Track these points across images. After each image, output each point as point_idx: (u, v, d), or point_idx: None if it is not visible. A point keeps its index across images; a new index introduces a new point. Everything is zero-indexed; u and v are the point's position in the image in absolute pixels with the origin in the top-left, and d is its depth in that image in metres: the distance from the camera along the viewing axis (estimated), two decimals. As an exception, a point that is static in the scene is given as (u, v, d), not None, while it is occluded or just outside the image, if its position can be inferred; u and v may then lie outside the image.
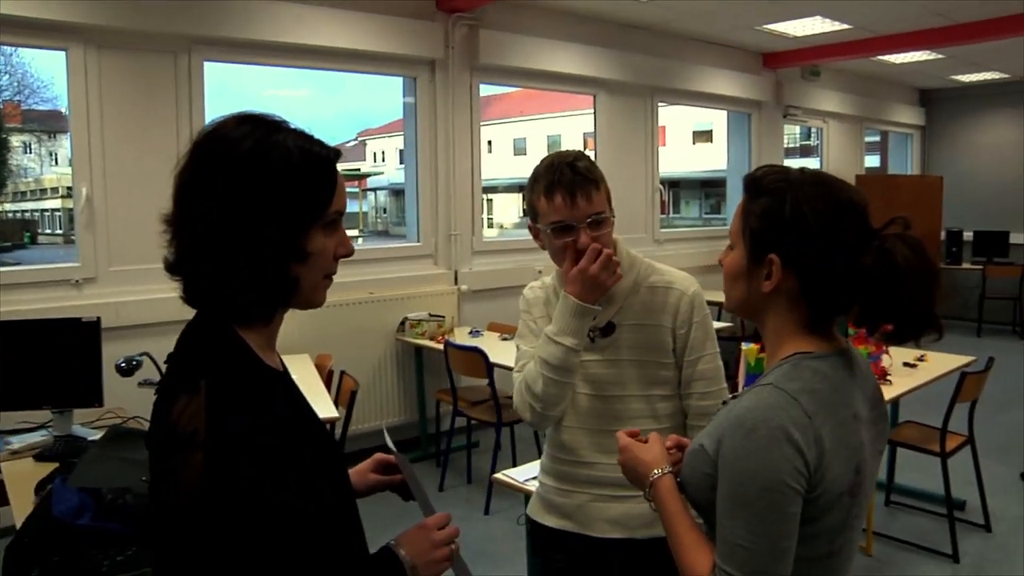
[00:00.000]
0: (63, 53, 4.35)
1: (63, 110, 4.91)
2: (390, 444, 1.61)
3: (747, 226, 1.34)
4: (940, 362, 4.50)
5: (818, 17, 6.91)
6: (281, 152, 1.19)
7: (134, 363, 3.02)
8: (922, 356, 4.55)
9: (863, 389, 1.35)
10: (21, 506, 2.50)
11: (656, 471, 1.43)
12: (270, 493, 1.12)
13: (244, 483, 1.10)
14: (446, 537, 1.33)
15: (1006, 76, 9.94)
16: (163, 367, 1.28)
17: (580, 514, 2.01)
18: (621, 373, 1.97)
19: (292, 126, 1.24)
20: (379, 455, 1.58)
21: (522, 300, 2.16)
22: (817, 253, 1.27)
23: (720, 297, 1.52)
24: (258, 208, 1.16)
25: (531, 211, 1.98)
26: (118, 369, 3.01)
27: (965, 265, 10.31)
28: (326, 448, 1.28)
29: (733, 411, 1.28)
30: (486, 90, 6.36)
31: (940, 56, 8.58)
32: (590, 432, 1.99)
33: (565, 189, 1.88)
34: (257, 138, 1.18)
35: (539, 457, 2.29)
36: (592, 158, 1.98)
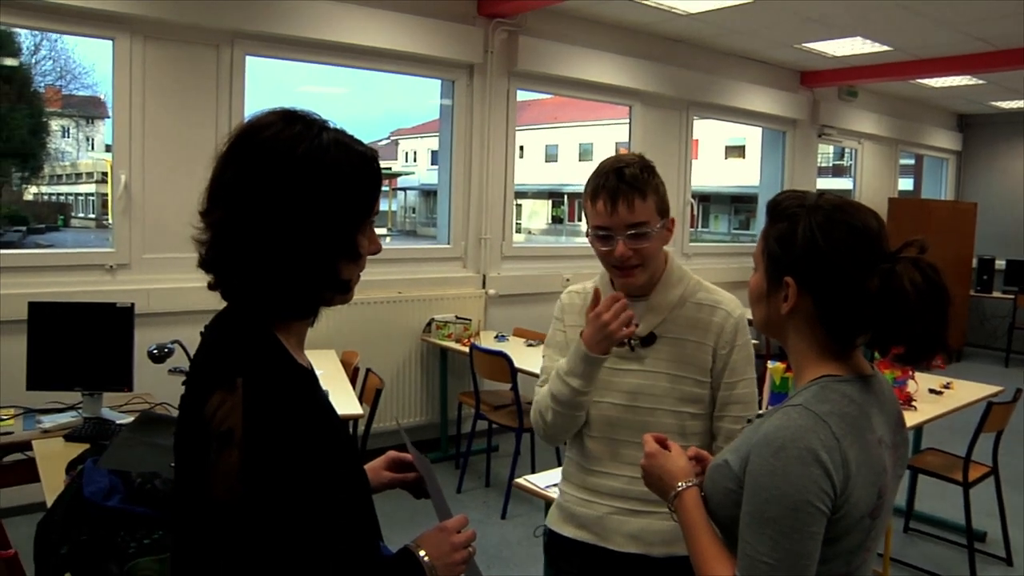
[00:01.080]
0: (110, 42, 4.42)
1: (102, 96, 5.00)
2: (409, 443, 1.61)
3: (766, 249, 1.38)
4: (966, 390, 4.45)
5: (859, 38, 6.88)
6: (336, 152, 1.20)
7: (166, 350, 3.06)
8: (948, 384, 4.51)
9: (888, 414, 1.37)
10: (51, 484, 2.56)
11: (682, 484, 1.44)
12: (302, 494, 1.14)
13: (278, 483, 1.11)
14: (465, 540, 1.35)
15: (1046, 104, 9.82)
16: (195, 342, 1.28)
17: (598, 526, 1.99)
18: (655, 385, 1.94)
19: (333, 125, 1.24)
20: (392, 452, 1.59)
21: (558, 305, 2.15)
22: (828, 277, 1.30)
23: (750, 314, 1.54)
24: (315, 208, 1.17)
25: (585, 213, 1.98)
26: (150, 355, 3.06)
27: (996, 294, 10.19)
28: (346, 446, 1.30)
29: (761, 429, 1.29)
30: (521, 96, 6.38)
31: (980, 81, 8.50)
32: (616, 443, 1.97)
33: (608, 195, 1.87)
34: (310, 138, 1.18)
35: (559, 464, 2.28)
36: (651, 165, 1.95)
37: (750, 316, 1.51)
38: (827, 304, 1.31)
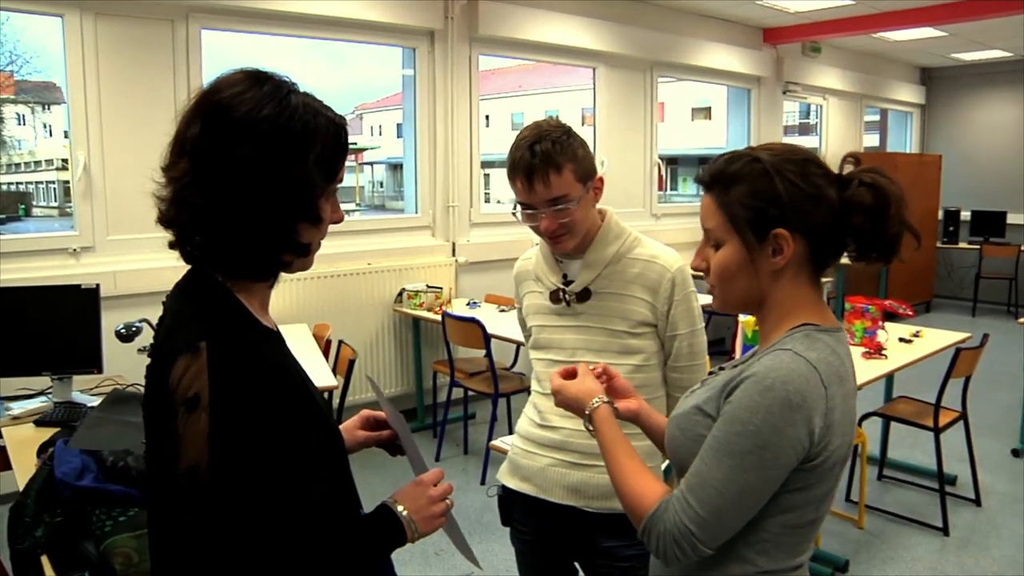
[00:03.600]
0: (59, 20, 4.31)
1: (57, 82, 4.88)
2: (381, 394, 1.59)
3: (736, 217, 1.33)
4: (935, 338, 4.53)
5: (820, -8, 6.88)
6: (303, 115, 1.19)
7: (133, 329, 3.03)
8: (917, 332, 4.58)
9: (851, 366, 1.38)
10: (24, 471, 2.51)
11: (594, 401, 1.50)
12: (273, 455, 1.13)
13: (248, 445, 1.11)
14: (442, 493, 1.36)
15: (1008, 55, 9.89)
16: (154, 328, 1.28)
17: (540, 477, 2.02)
18: (593, 340, 1.97)
19: (301, 89, 1.24)
20: (366, 411, 1.58)
21: (514, 277, 2.21)
22: (819, 211, 1.30)
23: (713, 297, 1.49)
24: (276, 169, 1.16)
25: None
26: (118, 335, 3.02)
27: (962, 244, 10.34)
28: (317, 406, 1.29)
29: (751, 369, 1.27)
30: (484, 64, 6.33)
31: (942, 33, 8.54)
32: None
33: (522, 173, 1.86)
34: (279, 99, 1.18)
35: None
36: (567, 130, 1.91)
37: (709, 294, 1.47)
38: (821, 239, 1.32)
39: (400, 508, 1.31)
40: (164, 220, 1.21)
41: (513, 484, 2.09)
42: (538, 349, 2.08)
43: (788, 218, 1.30)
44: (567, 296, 1.98)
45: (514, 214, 1.97)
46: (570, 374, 1.61)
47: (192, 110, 1.20)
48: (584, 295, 1.98)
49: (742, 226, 1.32)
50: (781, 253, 1.32)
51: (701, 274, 1.43)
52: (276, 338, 1.27)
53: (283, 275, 1.29)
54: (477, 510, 4.30)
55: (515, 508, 2.13)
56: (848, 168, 1.34)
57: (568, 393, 1.56)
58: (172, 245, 1.22)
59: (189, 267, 1.25)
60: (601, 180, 1.97)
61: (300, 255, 1.24)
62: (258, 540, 1.12)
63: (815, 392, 1.24)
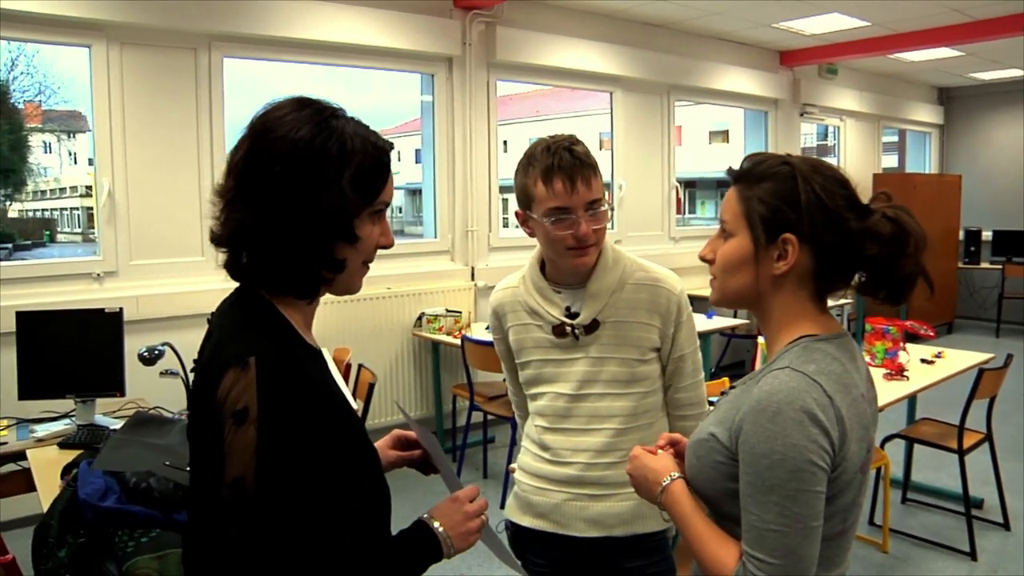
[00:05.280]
0: (86, 50, 4.40)
1: (82, 110, 4.96)
2: (409, 418, 1.62)
3: (752, 211, 1.34)
4: (958, 359, 4.48)
5: (836, 14, 6.89)
6: (340, 136, 1.22)
7: (156, 352, 3.05)
8: (939, 353, 4.54)
9: (860, 371, 1.37)
10: (48, 492, 2.54)
11: (667, 478, 1.43)
12: (318, 469, 1.15)
13: (294, 459, 1.12)
14: (478, 509, 1.38)
15: (1026, 74, 9.87)
16: (195, 350, 1.30)
17: (557, 513, 1.97)
18: (603, 371, 1.92)
19: (349, 114, 1.27)
20: (397, 431, 1.60)
21: (491, 313, 2.12)
22: (832, 228, 1.30)
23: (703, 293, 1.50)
24: (316, 188, 1.19)
25: (523, 197, 1.89)
26: (141, 358, 3.05)
27: (984, 265, 10.24)
28: (356, 424, 1.31)
29: (751, 395, 1.28)
30: (502, 90, 6.39)
31: (959, 53, 8.52)
32: (569, 432, 1.96)
33: (564, 173, 1.80)
34: (317, 121, 1.21)
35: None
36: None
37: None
38: (828, 257, 1.31)
39: (436, 524, 1.32)
40: (214, 239, 1.25)
41: (526, 522, 2.03)
42: (541, 383, 2.00)
43: (800, 226, 1.30)
44: (576, 330, 1.93)
45: (528, 225, 1.90)
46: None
47: (244, 133, 1.25)
48: (593, 326, 1.92)
49: (755, 221, 1.34)
50: (785, 259, 1.32)
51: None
52: (319, 357, 1.29)
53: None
54: (498, 533, 4.27)
55: (529, 545, 2.06)
56: (878, 204, 1.33)
57: (641, 463, 1.49)
58: (224, 264, 1.26)
59: (236, 285, 1.29)
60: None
61: (336, 271, 1.26)
62: (301, 553, 1.13)
63: (821, 403, 1.23)
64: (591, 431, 1.93)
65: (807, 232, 1.30)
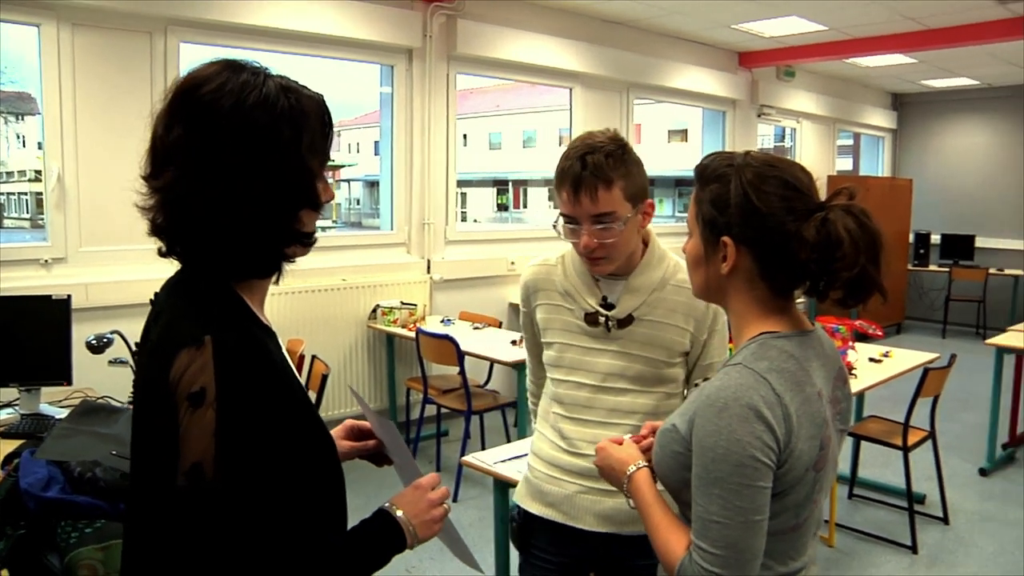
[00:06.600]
0: (35, 29, 4.29)
1: (32, 92, 4.84)
2: (365, 405, 1.56)
3: (699, 213, 1.39)
4: (904, 358, 4.59)
5: (794, 17, 6.98)
6: (286, 100, 1.15)
7: (104, 340, 3.00)
8: (887, 352, 4.64)
9: (828, 368, 1.39)
10: (-13, 481, 2.49)
11: (632, 466, 1.47)
12: (280, 454, 1.10)
13: (256, 443, 1.07)
14: (440, 497, 1.34)
15: (976, 83, 10.09)
16: (136, 335, 1.24)
17: (567, 504, 1.95)
18: (629, 367, 1.90)
19: (273, 72, 1.18)
20: (350, 421, 1.55)
21: (523, 286, 2.07)
22: (764, 231, 1.31)
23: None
24: (273, 158, 1.12)
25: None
26: (88, 346, 2.99)
27: (932, 267, 10.48)
28: (311, 407, 1.26)
29: (704, 391, 1.30)
30: (462, 83, 6.37)
31: (912, 60, 8.70)
32: (589, 424, 1.94)
33: (570, 184, 1.78)
34: (259, 86, 1.13)
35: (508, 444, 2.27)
36: (623, 144, 1.82)
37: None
38: (767, 259, 1.33)
39: (399, 512, 1.28)
40: (156, 230, 1.16)
41: (536, 509, 2.01)
42: (562, 369, 1.98)
43: (732, 228, 1.33)
44: (609, 322, 1.90)
45: (555, 227, 1.89)
46: (617, 443, 1.57)
47: (168, 110, 1.15)
48: (627, 321, 1.90)
49: (703, 223, 1.38)
50: (726, 260, 1.35)
51: None
52: (274, 337, 1.23)
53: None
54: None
55: (536, 535, 2.04)
56: (838, 201, 1.30)
57: (607, 454, 1.54)
58: (163, 253, 1.18)
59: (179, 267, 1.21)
60: (652, 205, 1.90)
61: (304, 244, 1.20)
62: (261, 542, 1.08)
63: (768, 400, 1.25)
64: (611, 425, 1.90)
65: (737, 234, 1.33)
